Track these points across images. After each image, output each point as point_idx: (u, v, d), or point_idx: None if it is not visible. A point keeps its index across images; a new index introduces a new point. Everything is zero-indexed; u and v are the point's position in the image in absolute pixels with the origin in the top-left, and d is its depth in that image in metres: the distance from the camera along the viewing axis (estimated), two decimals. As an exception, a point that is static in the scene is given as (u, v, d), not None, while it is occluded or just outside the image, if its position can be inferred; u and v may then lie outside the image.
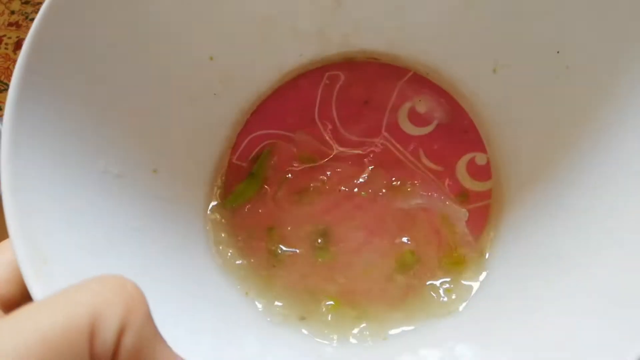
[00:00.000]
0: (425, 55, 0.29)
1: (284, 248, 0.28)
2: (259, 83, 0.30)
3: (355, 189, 0.28)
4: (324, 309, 0.26)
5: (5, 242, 0.18)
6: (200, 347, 0.22)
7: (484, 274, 0.26)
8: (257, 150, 0.29)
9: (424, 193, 0.28)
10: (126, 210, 0.23)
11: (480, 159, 0.28)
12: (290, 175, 0.29)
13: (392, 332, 0.25)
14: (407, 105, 0.29)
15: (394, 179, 0.28)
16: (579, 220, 0.23)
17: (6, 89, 0.58)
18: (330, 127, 0.29)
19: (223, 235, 0.28)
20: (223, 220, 0.28)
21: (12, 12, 0.58)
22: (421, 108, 0.29)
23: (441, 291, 0.26)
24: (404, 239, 0.27)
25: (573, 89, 0.24)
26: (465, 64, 0.28)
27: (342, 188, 0.28)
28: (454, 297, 0.26)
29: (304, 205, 0.28)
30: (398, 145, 0.29)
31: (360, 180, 0.28)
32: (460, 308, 0.25)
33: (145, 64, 0.25)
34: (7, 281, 0.17)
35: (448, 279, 0.26)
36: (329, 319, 0.26)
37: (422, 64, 0.29)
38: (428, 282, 0.26)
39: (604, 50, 0.22)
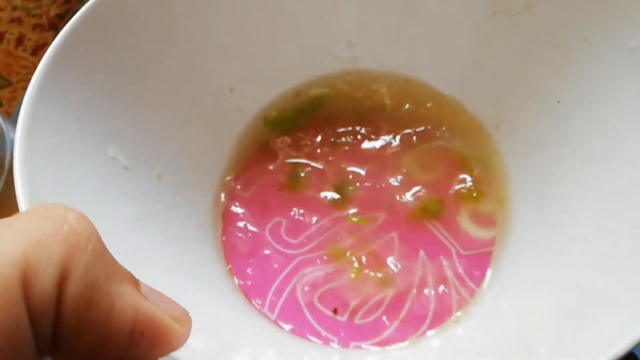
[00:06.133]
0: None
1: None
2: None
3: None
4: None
5: None
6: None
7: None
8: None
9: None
10: (127, 200, 0.23)
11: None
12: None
13: None
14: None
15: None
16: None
17: (8, 85, 0.55)
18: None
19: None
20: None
21: (15, 8, 0.57)
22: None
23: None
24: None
25: (574, 134, 0.24)
26: (469, 124, 0.29)
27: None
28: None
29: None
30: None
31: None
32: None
33: (168, 81, 0.26)
34: None
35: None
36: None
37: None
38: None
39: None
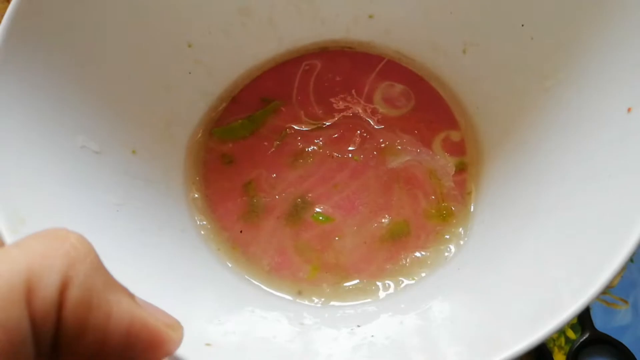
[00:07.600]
0: (397, 42, 0.30)
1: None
2: (235, 70, 0.31)
3: (349, 154, 0.29)
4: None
5: None
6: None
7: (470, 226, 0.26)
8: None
9: (413, 149, 0.28)
10: (104, 186, 0.23)
11: (454, 136, 0.29)
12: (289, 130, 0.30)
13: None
14: (383, 90, 0.30)
15: (382, 140, 0.29)
16: (548, 177, 0.23)
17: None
18: (309, 111, 0.30)
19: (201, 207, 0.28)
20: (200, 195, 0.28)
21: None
22: (396, 92, 0.30)
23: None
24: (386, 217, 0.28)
25: (538, 58, 0.25)
26: (435, 48, 0.29)
27: (336, 154, 0.29)
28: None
29: (296, 168, 0.29)
30: (376, 126, 0.29)
31: (351, 147, 0.29)
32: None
33: (126, 49, 0.25)
34: None
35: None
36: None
37: (394, 51, 0.30)
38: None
39: (563, 21, 0.23)
